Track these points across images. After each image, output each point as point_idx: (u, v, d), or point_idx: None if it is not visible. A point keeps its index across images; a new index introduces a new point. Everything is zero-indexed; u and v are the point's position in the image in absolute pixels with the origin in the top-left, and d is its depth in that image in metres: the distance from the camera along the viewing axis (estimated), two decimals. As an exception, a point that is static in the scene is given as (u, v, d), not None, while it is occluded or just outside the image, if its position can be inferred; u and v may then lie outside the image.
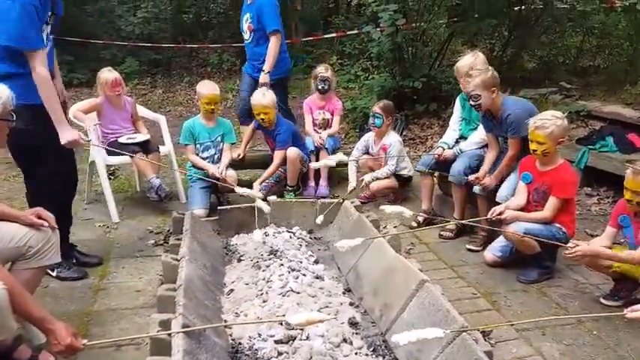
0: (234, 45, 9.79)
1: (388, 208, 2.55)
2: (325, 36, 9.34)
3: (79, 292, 2.61)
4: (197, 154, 3.76)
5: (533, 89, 5.86)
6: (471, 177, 3.09)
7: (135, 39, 9.37)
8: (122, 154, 3.52)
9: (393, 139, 3.91)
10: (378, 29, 5.55)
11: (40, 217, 2.03)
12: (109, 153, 3.66)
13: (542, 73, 6.57)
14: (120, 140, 3.68)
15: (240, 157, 4.00)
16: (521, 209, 2.80)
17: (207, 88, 3.76)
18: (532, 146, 2.69)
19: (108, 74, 3.71)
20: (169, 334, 1.76)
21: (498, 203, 2.86)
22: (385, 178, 3.84)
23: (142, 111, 4.11)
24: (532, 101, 5.44)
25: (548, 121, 2.63)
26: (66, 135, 2.40)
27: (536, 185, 2.79)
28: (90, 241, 3.18)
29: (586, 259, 2.46)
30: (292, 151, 3.87)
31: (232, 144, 3.89)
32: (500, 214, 2.70)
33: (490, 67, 3.03)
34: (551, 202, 2.69)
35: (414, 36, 6.07)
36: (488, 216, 2.75)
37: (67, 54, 8.67)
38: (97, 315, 2.40)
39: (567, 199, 2.74)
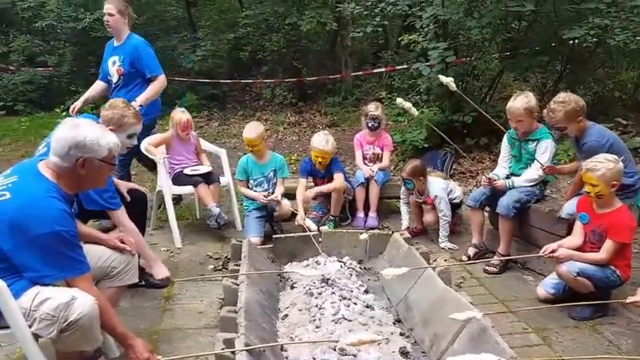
0: (286, 80, 10.29)
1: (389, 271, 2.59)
2: (374, 70, 9.61)
3: (149, 311, 2.84)
4: (251, 189, 3.96)
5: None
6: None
7: (194, 75, 10.05)
8: (187, 185, 3.87)
9: (435, 190, 3.88)
10: (427, 65, 5.69)
11: (122, 242, 2.29)
12: (175, 183, 3.98)
13: (597, 109, 6.43)
14: (185, 171, 4.00)
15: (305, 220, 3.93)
16: (577, 249, 2.79)
17: (246, 131, 3.91)
18: (586, 188, 2.73)
19: (181, 115, 4.07)
20: (233, 352, 1.92)
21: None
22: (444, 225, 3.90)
23: (205, 144, 4.44)
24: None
25: (599, 164, 2.67)
26: (161, 272, 2.75)
27: (593, 227, 2.79)
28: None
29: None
30: (343, 181, 4.05)
31: (284, 178, 4.04)
32: (553, 251, 2.70)
33: (572, 98, 3.05)
34: (608, 245, 2.67)
35: (464, 71, 6.18)
36: (541, 253, 2.76)
37: (133, 89, 9.44)
38: (165, 333, 2.60)
39: (624, 244, 2.72)
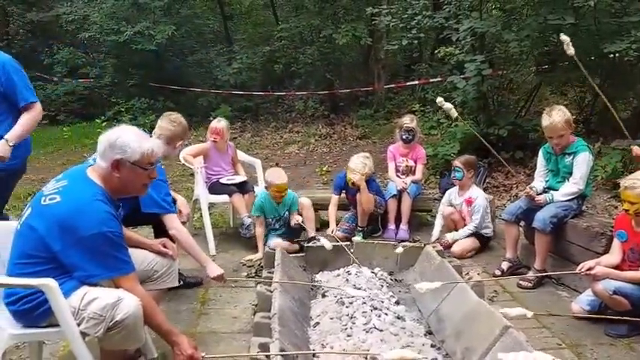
0: (318, 92, 10.43)
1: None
2: (408, 83, 9.62)
3: (185, 315, 2.94)
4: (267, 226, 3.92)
5: (627, 140, 5.60)
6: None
7: (228, 87, 10.32)
8: (223, 194, 3.99)
9: (478, 192, 3.97)
10: (462, 77, 5.68)
11: (165, 247, 2.39)
12: (211, 192, 4.11)
13: (638, 123, 6.25)
14: (221, 181, 4.13)
15: (334, 232, 4.04)
16: (615, 267, 2.73)
17: (278, 177, 3.81)
18: (624, 206, 2.70)
19: (214, 123, 4.23)
20: (268, 356, 1.98)
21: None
22: (468, 236, 3.88)
23: (241, 155, 4.57)
24: (625, 152, 5.25)
25: (637, 181, 2.63)
26: (214, 270, 2.69)
27: (632, 245, 2.74)
28: (191, 270, 3.52)
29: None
30: (371, 197, 4.09)
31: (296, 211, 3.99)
32: (590, 269, 2.65)
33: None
34: None
35: (500, 84, 6.13)
36: (577, 270, 2.71)
37: (170, 101, 9.78)
38: (200, 336, 2.69)
39: None
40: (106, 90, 10.79)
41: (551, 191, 3.38)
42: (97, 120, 9.67)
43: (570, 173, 3.31)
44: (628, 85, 6.26)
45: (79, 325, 1.89)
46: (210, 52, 11.31)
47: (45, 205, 1.93)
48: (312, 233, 3.83)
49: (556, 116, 3.26)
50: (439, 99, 3.69)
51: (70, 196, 1.93)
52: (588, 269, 2.65)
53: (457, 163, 3.97)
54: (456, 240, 3.87)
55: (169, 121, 3.14)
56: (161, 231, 2.83)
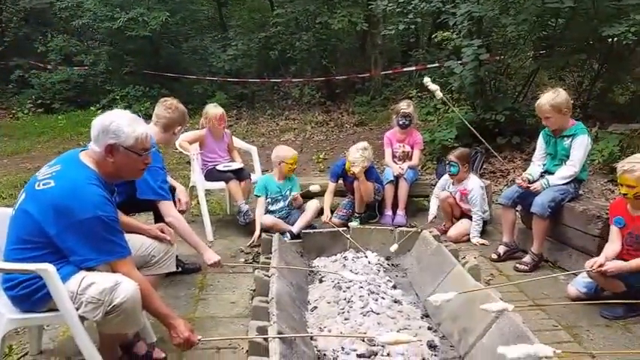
0: (314, 79, 10.36)
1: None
2: (405, 69, 9.56)
3: (183, 300, 2.95)
4: (267, 206, 3.95)
5: (625, 124, 5.61)
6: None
7: (224, 74, 10.24)
8: (219, 180, 3.97)
9: (473, 184, 3.90)
10: (460, 62, 5.65)
11: (162, 232, 2.39)
12: (207, 179, 4.10)
13: (635, 108, 6.24)
14: (217, 168, 4.11)
15: (329, 218, 4.08)
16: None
17: (289, 151, 3.96)
18: (622, 190, 2.67)
19: (215, 110, 4.17)
20: (266, 339, 1.99)
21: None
22: (474, 222, 3.88)
23: (237, 142, 4.55)
24: (623, 137, 5.26)
25: (637, 164, 2.60)
26: (211, 257, 2.73)
27: (630, 229, 2.72)
28: (189, 256, 3.52)
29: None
30: (371, 187, 4.11)
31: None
32: (600, 265, 2.61)
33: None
34: None
35: (497, 69, 6.09)
36: (587, 268, 2.67)
37: (165, 88, 9.70)
38: (199, 321, 2.70)
39: None
40: (101, 78, 10.68)
41: (547, 176, 3.39)
42: (92, 108, 9.61)
43: (568, 156, 3.30)
44: (626, 70, 6.24)
45: (77, 309, 1.89)
46: (205, 38, 11.20)
47: (39, 190, 1.92)
48: (294, 229, 3.82)
49: (544, 98, 3.27)
50: (426, 79, 3.67)
51: (63, 180, 1.92)
52: (599, 266, 2.60)
53: (452, 158, 3.93)
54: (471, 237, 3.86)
55: (165, 108, 3.11)
56: (160, 217, 2.82)
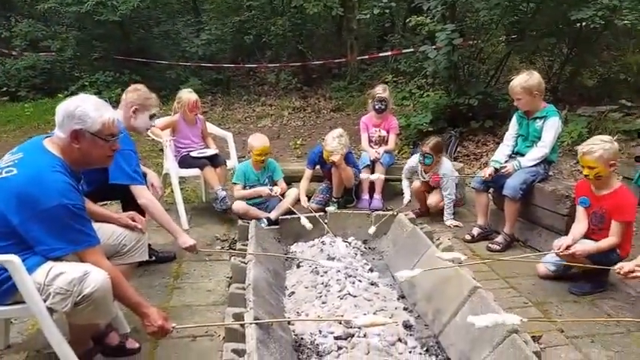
0: (291, 64, 10.25)
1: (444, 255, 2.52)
2: (380, 54, 9.55)
3: (158, 289, 2.90)
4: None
5: (592, 107, 5.76)
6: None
7: (197, 59, 10.03)
8: (193, 167, 3.90)
9: (445, 169, 3.94)
10: (434, 48, 5.67)
11: (133, 220, 2.34)
12: (181, 166, 4.03)
13: (603, 91, 6.41)
14: (192, 154, 4.04)
15: (308, 205, 4.01)
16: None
17: (258, 141, 3.85)
18: (585, 172, 2.75)
19: (189, 95, 4.08)
20: (242, 325, 1.98)
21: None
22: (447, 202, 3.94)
23: (211, 128, 4.47)
24: (591, 119, 5.39)
25: (595, 146, 2.68)
26: (186, 241, 2.67)
27: (594, 209, 2.81)
28: (164, 245, 3.48)
29: None
30: (352, 173, 4.11)
31: (282, 178, 4.00)
32: (567, 247, 2.69)
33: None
34: (616, 227, 2.69)
35: (470, 54, 6.15)
36: (556, 251, 2.75)
37: (135, 74, 9.45)
38: (174, 310, 2.66)
39: (628, 222, 2.74)
40: (69, 64, 10.33)
41: (519, 157, 3.45)
42: (59, 95, 9.28)
43: (539, 138, 3.37)
44: (594, 53, 6.38)
45: (45, 300, 1.84)
46: (178, 22, 10.91)
47: (1, 178, 1.85)
48: (272, 215, 3.77)
49: (517, 80, 3.32)
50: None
51: (26, 167, 1.85)
52: (567, 248, 2.68)
53: (427, 149, 3.91)
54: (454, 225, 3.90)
55: (134, 90, 3.00)
56: (130, 205, 2.75)
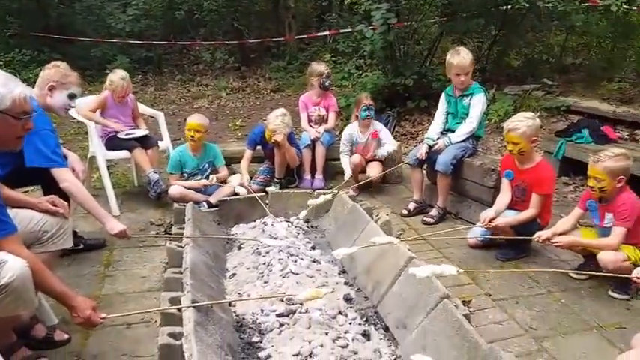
0: (227, 42, 9.92)
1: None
2: (319, 34, 9.47)
3: (87, 278, 2.75)
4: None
5: (518, 85, 6.09)
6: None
7: (125, 37, 9.44)
8: (122, 149, 3.69)
9: (378, 125, 4.26)
10: (371, 28, 5.71)
11: (54, 205, 2.17)
12: (108, 148, 3.80)
13: (527, 71, 6.79)
14: (119, 136, 3.81)
15: (249, 184, 3.92)
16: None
17: (192, 117, 3.73)
18: (509, 147, 2.94)
19: (121, 82, 3.83)
20: (179, 309, 1.92)
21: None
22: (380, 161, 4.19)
23: (142, 108, 4.24)
24: (516, 97, 5.71)
25: (519, 123, 2.86)
26: (114, 226, 2.50)
27: (517, 182, 3.02)
28: (92, 232, 3.27)
29: (564, 246, 2.71)
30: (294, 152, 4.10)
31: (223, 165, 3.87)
32: (491, 220, 2.87)
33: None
34: (535, 200, 2.90)
35: (405, 35, 6.25)
36: (481, 223, 2.92)
37: (56, 52, 8.74)
38: (106, 298, 2.54)
39: (547, 195, 2.95)
40: (-21, 41, 9.37)
41: (449, 134, 3.59)
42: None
43: (467, 114, 3.52)
44: (519, 35, 6.72)
45: (-42, 293, 1.67)
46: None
47: None
48: (212, 198, 3.60)
49: (465, 54, 3.45)
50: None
51: None
52: (490, 221, 2.87)
53: (368, 102, 4.15)
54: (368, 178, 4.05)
55: (52, 66, 2.76)
56: (51, 190, 2.55)
